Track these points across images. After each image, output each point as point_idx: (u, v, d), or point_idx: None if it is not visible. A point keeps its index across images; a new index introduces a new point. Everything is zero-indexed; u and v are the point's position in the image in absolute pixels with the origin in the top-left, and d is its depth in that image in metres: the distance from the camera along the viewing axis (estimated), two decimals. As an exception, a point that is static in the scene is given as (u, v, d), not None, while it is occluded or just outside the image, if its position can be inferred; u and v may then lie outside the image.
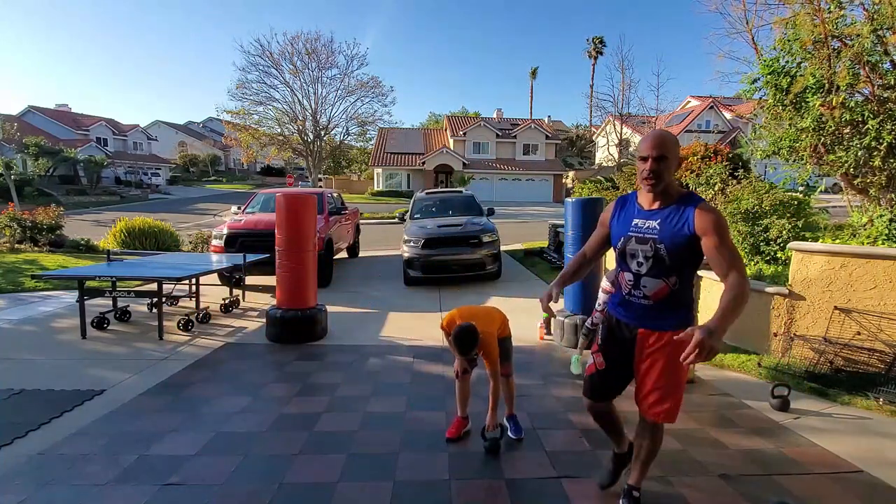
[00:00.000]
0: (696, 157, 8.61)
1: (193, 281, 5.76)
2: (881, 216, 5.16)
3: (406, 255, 7.78)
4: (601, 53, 45.84)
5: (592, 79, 48.77)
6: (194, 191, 38.21)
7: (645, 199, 1.96)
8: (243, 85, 25.10)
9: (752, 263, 6.03)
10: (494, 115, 40.50)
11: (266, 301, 6.61)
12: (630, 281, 1.96)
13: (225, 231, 7.53)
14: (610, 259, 5.77)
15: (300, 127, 26.42)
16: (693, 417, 3.31)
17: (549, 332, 5.16)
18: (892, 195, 5.59)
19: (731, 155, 8.67)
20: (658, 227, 1.88)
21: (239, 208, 9.07)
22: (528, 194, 34.95)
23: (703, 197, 7.84)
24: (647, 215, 1.92)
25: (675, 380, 1.97)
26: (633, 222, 1.95)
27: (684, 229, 1.83)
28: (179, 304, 6.36)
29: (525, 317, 5.51)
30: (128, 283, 5.33)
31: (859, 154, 5.41)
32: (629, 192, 1.93)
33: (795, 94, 5.74)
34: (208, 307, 5.83)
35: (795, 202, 6.20)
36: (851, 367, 3.84)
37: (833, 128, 5.54)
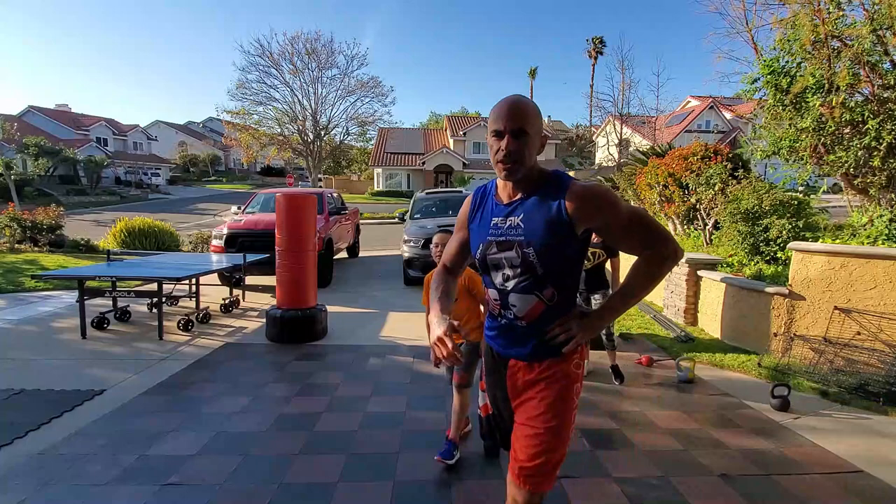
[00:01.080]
0: (696, 157, 8.62)
1: (193, 281, 5.76)
2: (881, 216, 5.16)
3: (406, 255, 7.79)
4: (601, 53, 45.83)
5: (592, 79, 48.72)
6: (194, 191, 38.21)
7: (504, 191, 1.48)
8: (243, 85, 25.14)
9: (752, 263, 6.03)
10: (494, 115, 40.43)
11: (266, 301, 6.61)
12: (496, 299, 1.48)
13: (225, 231, 7.54)
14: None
15: (300, 127, 26.45)
16: (693, 417, 3.31)
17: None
18: (892, 195, 5.59)
19: (731, 155, 8.68)
20: (522, 224, 1.40)
21: (239, 208, 9.07)
22: (528, 194, 34.90)
23: (703, 197, 7.92)
24: (508, 211, 1.44)
25: (554, 428, 1.42)
26: (492, 222, 1.47)
27: (557, 221, 1.36)
28: (179, 304, 6.36)
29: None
30: (128, 283, 5.34)
31: (859, 154, 5.42)
32: (570, 181, 1.40)
33: (795, 95, 5.75)
34: (208, 307, 5.83)
35: (795, 202, 6.21)
36: (851, 367, 3.84)
37: (833, 128, 5.55)
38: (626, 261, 5.78)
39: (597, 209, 1.35)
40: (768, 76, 6.03)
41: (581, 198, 1.34)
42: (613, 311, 1.48)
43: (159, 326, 4.90)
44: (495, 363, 1.59)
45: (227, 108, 26.19)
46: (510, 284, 1.43)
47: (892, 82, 5.35)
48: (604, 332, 4.09)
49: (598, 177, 17.95)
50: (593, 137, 41.00)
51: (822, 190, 6.95)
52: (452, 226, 1.77)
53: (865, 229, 5.33)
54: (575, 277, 1.45)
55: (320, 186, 26.24)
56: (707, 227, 8.01)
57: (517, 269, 1.41)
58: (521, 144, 1.35)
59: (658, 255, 1.41)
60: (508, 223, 1.42)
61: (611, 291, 4.00)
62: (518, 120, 1.35)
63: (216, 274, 6.98)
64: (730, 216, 6.58)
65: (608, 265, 4.04)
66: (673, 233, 9.69)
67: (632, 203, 11.80)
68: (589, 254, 3.89)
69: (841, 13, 5.48)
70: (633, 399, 3.62)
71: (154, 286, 4.93)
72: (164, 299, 5.19)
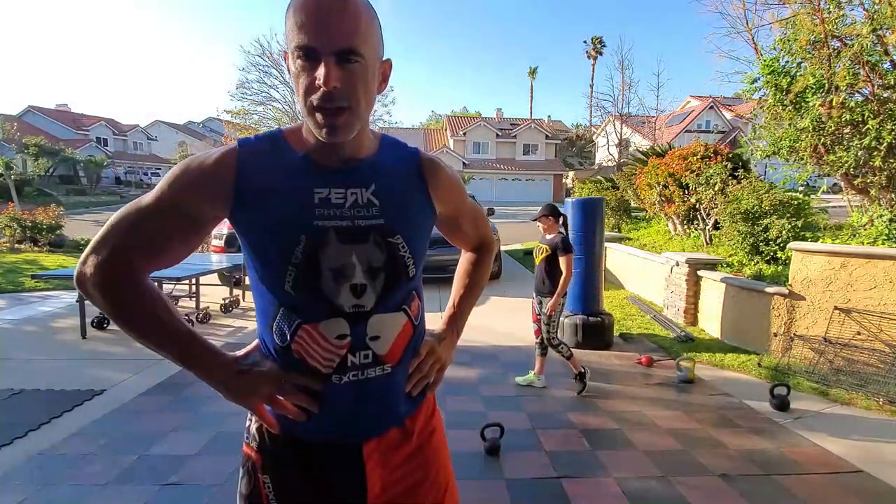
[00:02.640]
0: (695, 157, 8.62)
1: (193, 281, 5.76)
2: (881, 216, 5.17)
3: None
4: (601, 53, 45.82)
5: (592, 79, 48.75)
6: (194, 191, 38.15)
7: (317, 145, 0.84)
8: (243, 85, 25.16)
9: (753, 263, 6.03)
10: (494, 115, 40.53)
11: (266, 301, 6.61)
12: (343, 337, 0.85)
13: (225, 231, 7.54)
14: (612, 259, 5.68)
15: (300, 127, 26.45)
16: (693, 417, 3.31)
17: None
18: (892, 195, 5.60)
19: (731, 155, 8.68)
20: (376, 199, 0.87)
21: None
22: (528, 194, 34.97)
23: (703, 197, 7.91)
24: (348, 177, 0.86)
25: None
26: (316, 195, 0.83)
27: (420, 196, 0.94)
28: (179, 304, 6.36)
29: (525, 316, 5.50)
30: (128, 283, 5.32)
31: (859, 154, 5.41)
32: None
33: (795, 94, 5.75)
34: (208, 307, 5.83)
35: (795, 202, 6.21)
36: (851, 367, 3.84)
37: (833, 128, 5.55)
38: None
39: (455, 187, 1.01)
40: (768, 76, 6.03)
41: (440, 170, 0.97)
42: (464, 316, 1.15)
43: (159, 326, 4.90)
44: (322, 468, 0.90)
45: (227, 108, 26.22)
46: (370, 302, 0.86)
47: (892, 82, 5.35)
48: (550, 341, 3.64)
49: (599, 176, 17.95)
50: (593, 137, 41.01)
51: (822, 190, 6.95)
52: None
53: (865, 229, 5.33)
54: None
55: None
56: (707, 227, 8.01)
57: (380, 273, 0.86)
58: (353, 75, 0.76)
59: (490, 245, 1.20)
60: (354, 198, 0.85)
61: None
62: (346, 30, 0.75)
63: (216, 274, 6.97)
64: (730, 216, 6.58)
65: (561, 263, 3.56)
66: (673, 233, 9.69)
67: (632, 203, 11.80)
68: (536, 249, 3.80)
69: (841, 13, 5.48)
70: (633, 399, 3.62)
71: (154, 286, 4.93)
72: (164, 299, 5.18)
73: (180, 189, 0.83)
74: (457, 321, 1.13)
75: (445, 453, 1.04)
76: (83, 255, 0.83)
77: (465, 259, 1.20)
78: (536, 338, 3.78)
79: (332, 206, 0.83)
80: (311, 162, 0.84)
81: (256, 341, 0.97)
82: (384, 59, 0.86)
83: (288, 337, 0.86)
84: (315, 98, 0.75)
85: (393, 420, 0.94)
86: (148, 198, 0.83)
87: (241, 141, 0.86)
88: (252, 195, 0.82)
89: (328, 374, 0.86)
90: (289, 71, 0.80)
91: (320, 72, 0.74)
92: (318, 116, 0.77)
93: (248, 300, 6.72)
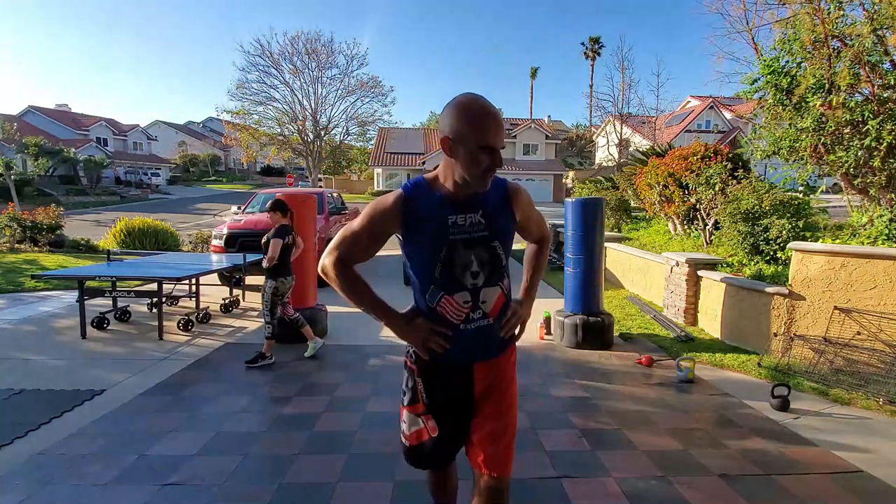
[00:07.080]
0: (696, 157, 8.62)
1: (193, 281, 5.77)
2: (881, 216, 5.17)
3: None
4: (599, 54, 45.91)
5: (591, 79, 48.81)
6: (194, 191, 38.17)
7: (451, 188, 1.42)
8: (243, 85, 25.19)
9: (752, 263, 6.03)
10: (494, 115, 40.48)
11: (266, 301, 6.61)
12: (467, 301, 1.46)
13: (225, 231, 7.54)
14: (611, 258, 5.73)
15: (300, 127, 26.49)
16: (693, 417, 3.31)
17: (548, 332, 5.16)
18: (892, 195, 5.59)
19: (731, 155, 8.67)
20: (483, 220, 1.45)
21: (239, 208, 9.08)
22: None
23: (703, 197, 7.92)
24: (464, 207, 1.43)
25: (515, 411, 1.63)
26: (450, 220, 1.42)
27: (508, 212, 1.52)
28: (179, 304, 6.36)
29: (525, 317, 5.50)
30: (128, 283, 5.34)
31: (859, 154, 5.41)
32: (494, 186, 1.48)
33: (798, 95, 5.74)
34: (208, 307, 5.83)
35: (795, 202, 6.21)
36: (851, 367, 3.84)
37: (833, 128, 5.54)
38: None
39: (528, 203, 1.60)
40: (768, 76, 6.03)
41: (520, 192, 1.56)
42: (535, 288, 1.74)
43: (159, 326, 4.90)
44: (452, 378, 1.56)
45: (227, 108, 26.25)
46: (481, 281, 1.46)
47: (892, 82, 5.34)
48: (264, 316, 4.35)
49: (599, 176, 17.96)
50: (593, 137, 41.02)
51: (820, 190, 6.95)
52: None
53: (865, 229, 5.33)
54: None
55: (320, 186, 26.25)
56: (707, 227, 8.01)
57: (485, 265, 1.46)
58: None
59: (547, 239, 1.77)
60: (469, 220, 1.44)
61: None
62: (503, 133, 1.37)
63: (216, 274, 6.98)
64: (730, 216, 6.58)
65: None
66: (673, 233, 9.70)
67: (632, 203, 11.83)
68: None
69: (841, 13, 5.48)
70: (633, 399, 3.62)
71: (154, 286, 4.93)
72: (164, 299, 5.19)
73: (371, 223, 1.48)
74: (530, 290, 1.72)
75: (513, 375, 1.65)
76: (324, 254, 1.54)
77: (530, 249, 1.79)
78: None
79: (458, 226, 1.42)
80: (445, 199, 1.43)
81: (413, 304, 1.57)
82: None
83: (435, 302, 1.47)
84: (486, 167, 1.35)
85: (492, 353, 1.55)
86: (355, 225, 1.51)
87: (404, 188, 1.46)
88: (413, 223, 1.44)
89: (458, 324, 1.46)
90: (446, 150, 1.36)
91: (496, 157, 1.35)
92: (486, 177, 1.38)
93: (248, 300, 6.73)
